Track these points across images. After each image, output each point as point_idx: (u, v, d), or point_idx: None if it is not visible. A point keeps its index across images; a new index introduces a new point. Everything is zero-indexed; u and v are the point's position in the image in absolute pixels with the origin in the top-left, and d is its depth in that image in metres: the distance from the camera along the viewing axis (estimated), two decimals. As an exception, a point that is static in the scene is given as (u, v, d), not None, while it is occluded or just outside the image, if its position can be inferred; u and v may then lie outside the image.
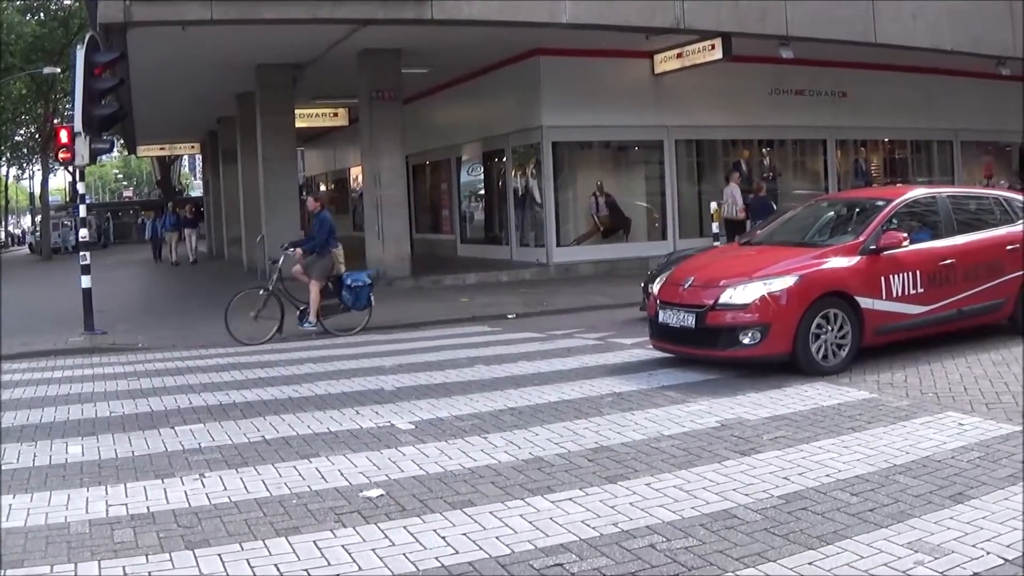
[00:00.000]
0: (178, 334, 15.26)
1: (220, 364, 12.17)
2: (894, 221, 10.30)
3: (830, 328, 9.44)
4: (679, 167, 24.20)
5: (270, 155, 23.47)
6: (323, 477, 6.53)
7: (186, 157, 74.85)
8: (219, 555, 5.08)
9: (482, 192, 27.78)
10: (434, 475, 6.47)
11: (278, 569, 4.85)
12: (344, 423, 8.26)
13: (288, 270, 14.69)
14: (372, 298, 14.75)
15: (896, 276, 9.89)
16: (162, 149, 48.26)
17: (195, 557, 5.06)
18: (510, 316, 16.24)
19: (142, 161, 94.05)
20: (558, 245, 22.87)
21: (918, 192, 11.29)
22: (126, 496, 6.25)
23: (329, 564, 4.89)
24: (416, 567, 4.81)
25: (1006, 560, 4.60)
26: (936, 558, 4.66)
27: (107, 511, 5.95)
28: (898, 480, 5.93)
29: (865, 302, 9.64)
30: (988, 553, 4.69)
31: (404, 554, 4.98)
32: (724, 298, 9.52)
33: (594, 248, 23.48)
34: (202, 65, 22.22)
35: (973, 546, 4.80)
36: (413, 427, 7.98)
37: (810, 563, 4.70)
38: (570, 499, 5.80)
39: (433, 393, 9.42)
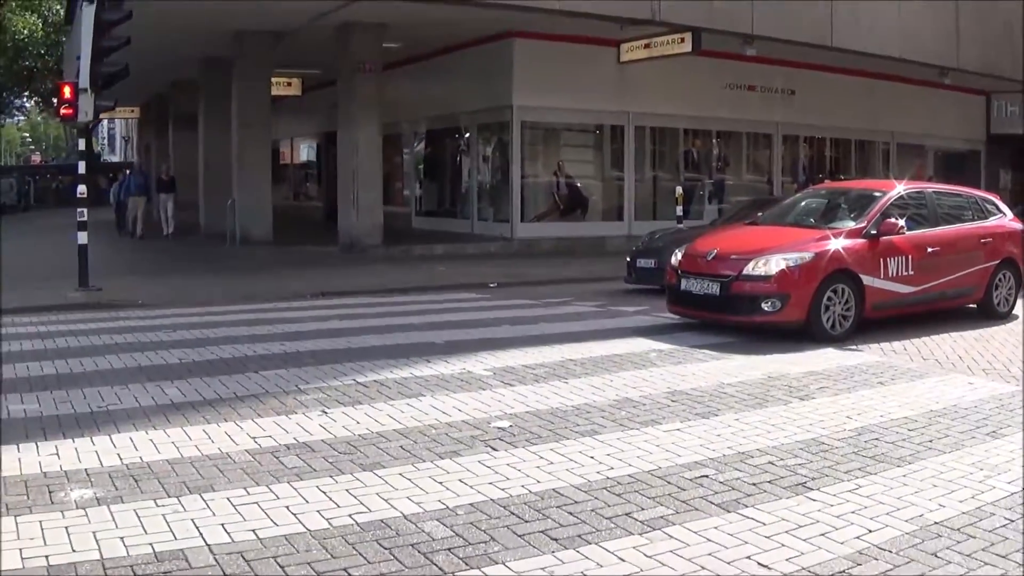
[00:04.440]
0: (172, 292, 15.43)
1: (240, 320, 12.12)
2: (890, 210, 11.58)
3: (838, 301, 10.71)
4: (637, 152, 25.37)
5: (246, 122, 24.03)
6: (445, 412, 7.07)
7: (104, 122, 73.69)
8: (385, 479, 5.58)
9: (439, 166, 28.61)
10: (546, 411, 7.20)
11: (448, 488, 5.42)
12: (424, 370, 8.62)
13: None
14: None
15: (892, 259, 11.22)
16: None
17: (379, 477, 5.59)
18: (492, 284, 16.87)
19: (49, 125, 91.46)
20: (522, 221, 23.87)
21: (909, 186, 12.59)
22: (261, 428, 6.84)
23: (496, 473, 5.69)
24: (586, 478, 5.68)
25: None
26: (999, 473, 5.85)
27: (271, 439, 6.55)
28: (940, 421, 7.13)
29: (867, 279, 10.96)
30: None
31: (567, 470, 5.79)
32: (748, 269, 10.70)
33: (555, 225, 24.58)
34: (178, 28, 22.55)
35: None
36: (491, 373, 8.55)
37: (904, 475, 5.81)
38: (677, 429, 6.79)
39: (485, 346, 9.82)
